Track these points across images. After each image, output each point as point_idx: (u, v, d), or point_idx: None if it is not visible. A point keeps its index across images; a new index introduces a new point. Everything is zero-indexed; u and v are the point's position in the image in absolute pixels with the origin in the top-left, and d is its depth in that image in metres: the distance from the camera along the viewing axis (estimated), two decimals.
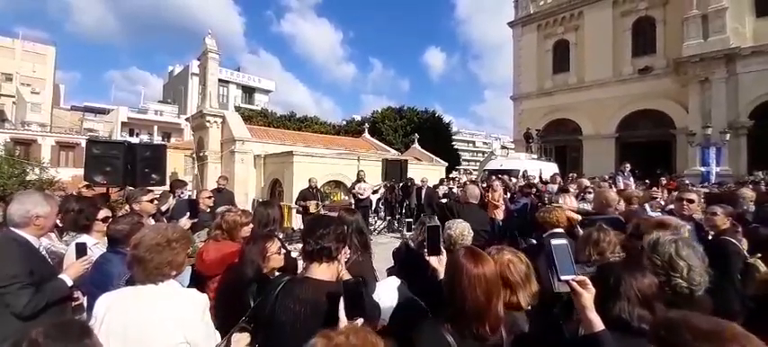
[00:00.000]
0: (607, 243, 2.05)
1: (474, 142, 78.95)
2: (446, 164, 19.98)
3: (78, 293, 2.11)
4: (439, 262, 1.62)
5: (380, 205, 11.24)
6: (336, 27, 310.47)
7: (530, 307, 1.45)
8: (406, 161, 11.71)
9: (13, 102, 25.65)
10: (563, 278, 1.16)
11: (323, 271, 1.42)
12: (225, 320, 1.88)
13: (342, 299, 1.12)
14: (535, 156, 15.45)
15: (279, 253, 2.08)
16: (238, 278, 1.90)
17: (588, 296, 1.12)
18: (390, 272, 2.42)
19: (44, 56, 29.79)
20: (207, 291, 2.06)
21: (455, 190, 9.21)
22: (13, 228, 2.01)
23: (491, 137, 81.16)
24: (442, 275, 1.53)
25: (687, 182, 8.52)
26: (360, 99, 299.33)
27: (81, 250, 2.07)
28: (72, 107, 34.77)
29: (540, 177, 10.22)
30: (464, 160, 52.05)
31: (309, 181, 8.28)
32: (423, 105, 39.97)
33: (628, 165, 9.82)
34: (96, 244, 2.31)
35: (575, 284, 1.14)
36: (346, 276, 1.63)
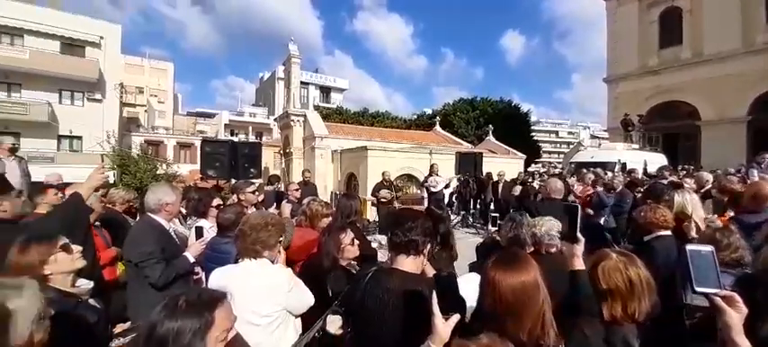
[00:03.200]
0: (726, 246, 1.72)
1: (557, 132, 72.07)
2: (524, 156, 18.65)
3: (198, 268, 2.51)
4: (575, 252, 1.37)
5: (454, 199, 10.99)
6: (407, 20, 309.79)
7: (643, 321, 1.26)
8: (481, 154, 11.21)
9: (145, 111, 31.50)
10: (701, 290, 0.97)
11: (409, 264, 1.45)
12: None
13: (434, 294, 1.08)
14: (636, 146, 13.44)
15: (352, 244, 2.19)
16: (317, 267, 2.05)
17: (738, 316, 0.93)
18: (472, 268, 2.34)
19: (165, 71, 35.87)
20: None
21: (535, 184, 8.50)
22: (149, 214, 2.47)
23: (578, 127, 73.24)
24: (575, 266, 1.34)
25: None
26: (431, 92, 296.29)
27: (199, 232, 2.46)
28: (187, 113, 41.28)
29: (645, 170, 8.85)
30: (545, 152, 47.95)
31: (383, 174, 8.52)
32: (498, 94, 37.79)
33: (767, 156, 7.90)
34: (211, 227, 2.72)
35: (719, 300, 0.95)
36: (429, 270, 1.63)
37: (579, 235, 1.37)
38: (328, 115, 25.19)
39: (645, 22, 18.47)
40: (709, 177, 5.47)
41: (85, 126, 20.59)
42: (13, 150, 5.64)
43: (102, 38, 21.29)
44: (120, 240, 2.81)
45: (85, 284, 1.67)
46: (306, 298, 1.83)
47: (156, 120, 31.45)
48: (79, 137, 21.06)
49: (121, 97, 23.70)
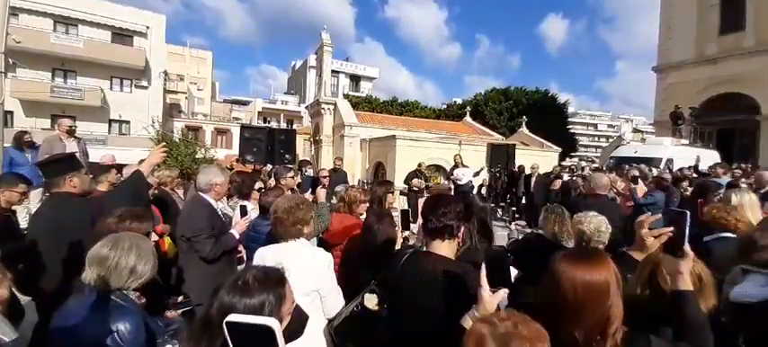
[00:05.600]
0: (762, 247, 1.56)
1: (596, 125, 68.53)
2: (559, 149, 17.86)
3: (241, 246, 2.65)
4: (679, 269, 1.14)
5: (482, 191, 10.79)
6: (441, 4, 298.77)
7: None
8: (514, 146, 10.91)
9: (186, 98, 33.20)
10: None
11: (444, 248, 1.48)
12: (349, 282, 2.13)
13: (483, 268, 1.09)
14: (686, 142, 12.50)
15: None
16: (368, 249, 2.10)
17: None
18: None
19: (205, 59, 37.51)
20: None
21: (575, 179, 8.13)
22: (200, 193, 2.63)
23: (619, 119, 69.10)
24: (680, 286, 1.13)
25: None
26: (463, 81, 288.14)
27: (243, 211, 2.60)
28: (224, 100, 43.01)
29: (696, 167, 8.24)
30: (581, 146, 45.75)
31: (419, 165, 8.67)
32: (535, 84, 36.25)
33: None
34: (253, 209, 2.86)
35: None
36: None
37: (687, 248, 1.15)
38: (358, 104, 25.33)
39: (704, 4, 16.82)
40: None
41: (133, 111, 22.02)
42: (71, 131, 6.11)
43: (148, 28, 22.50)
44: (169, 216, 3.03)
45: None
46: (339, 295, 1.88)
47: (195, 107, 33.08)
48: (127, 122, 22.58)
49: (165, 84, 25.05)
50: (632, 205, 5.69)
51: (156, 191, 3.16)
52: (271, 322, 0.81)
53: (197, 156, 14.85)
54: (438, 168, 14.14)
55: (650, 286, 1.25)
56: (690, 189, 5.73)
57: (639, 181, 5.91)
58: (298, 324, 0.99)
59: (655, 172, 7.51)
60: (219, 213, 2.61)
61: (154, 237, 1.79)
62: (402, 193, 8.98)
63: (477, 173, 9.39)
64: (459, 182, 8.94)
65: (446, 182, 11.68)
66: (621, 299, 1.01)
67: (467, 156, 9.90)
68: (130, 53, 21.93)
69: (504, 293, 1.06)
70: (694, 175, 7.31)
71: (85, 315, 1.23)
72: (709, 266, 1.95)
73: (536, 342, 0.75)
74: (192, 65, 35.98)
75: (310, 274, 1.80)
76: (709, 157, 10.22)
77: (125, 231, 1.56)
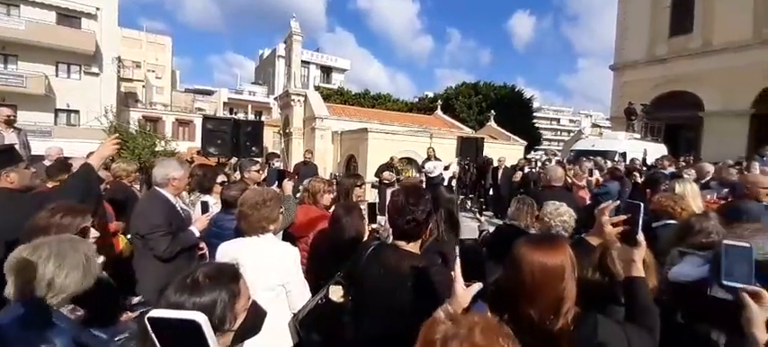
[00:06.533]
0: (698, 230, 1.69)
1: (558, 119, 71.87)
2: (525, 143, 18.59)
3: (202, 243, 2.54)
4: (633, 257, 1.19)
5: (452, 183, 11.03)
6: None
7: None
8: (483, 139, 11.20)
9: (143, 86, 31.07)
10: (728, 283, 0.99)
11: (410, 244, 1.48)
12: (317, 275, 2.10)
13: (458, 262, 1.08)
14: (637, 136, 13.42)
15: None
16: (336, 242, 2.07)
17: (760, 311, 0.94)
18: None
19: (164, 45, 35.15)
20: None
21: (535, 170, 8.53)
22: (156, 187, 2.47)
23: (580, 114, 73.01)
24: (632, 273, 1.19)
25: None
26: (434, 74, 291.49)
27: (205, 207, 2.48)
28: (185, 89, 40.69)
29: (644, 160, 8.88)
30: (545, 139, 47.84)
31: (391, 159, 8.66)
32: (502, 79, 37.42)
33: None
34: (216, 203, 2.74)
35: (745, 296, 0.97)
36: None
37: (641, 237, 1.19)
38: (329, 96, 24.95)
39: (657, 7, 17.94)
40: (711, 168, 5.49)
41: (83, 100, 20.35)
42: (10, 121, 5.54)
43: (98, 9, 20.77)
44: (126, 213, 2.84)
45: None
46: (305, 289, 1.86)
47: (154, 96, 31.12)
48: (76, 112, 20.85)
49: (119, 72, 23.32)
50: (586, 194, 6.08)
51: (108, 186, 2.94)
52: (197, 316, 0.74)
53: (157, 149, 14.04)
54: (410, 161, 14.26)
55: (600, 269, 1.33)
56: (641, 178, 6.19)
57: (594, 172, 6.28)
58: (254, 320, 0.95)
59: (609, 164, 8.02)
60: (178, 209, 2.47)
61: (94, 234, 1.64)
62: (373, 186, 8.99)
63: (446, 168, 9.60)
64: (431, 175, 9.11)
65: (418, 175, 11.84)
66: (575, 282, 1.06)
67: (438, 149, 10.05)
68: (78, 36, 20.17)
69: (478, 286, 1.07)
70: (644, 167, 7.88)
71: (11, 332, 1.08)
72: (657, 250, 2.12)
73: None
74: (149, 51, 33.66)
75: (276, 269, 1.77)
76: (657, 151, 11.05)
77: (56, 227, 1.42)
